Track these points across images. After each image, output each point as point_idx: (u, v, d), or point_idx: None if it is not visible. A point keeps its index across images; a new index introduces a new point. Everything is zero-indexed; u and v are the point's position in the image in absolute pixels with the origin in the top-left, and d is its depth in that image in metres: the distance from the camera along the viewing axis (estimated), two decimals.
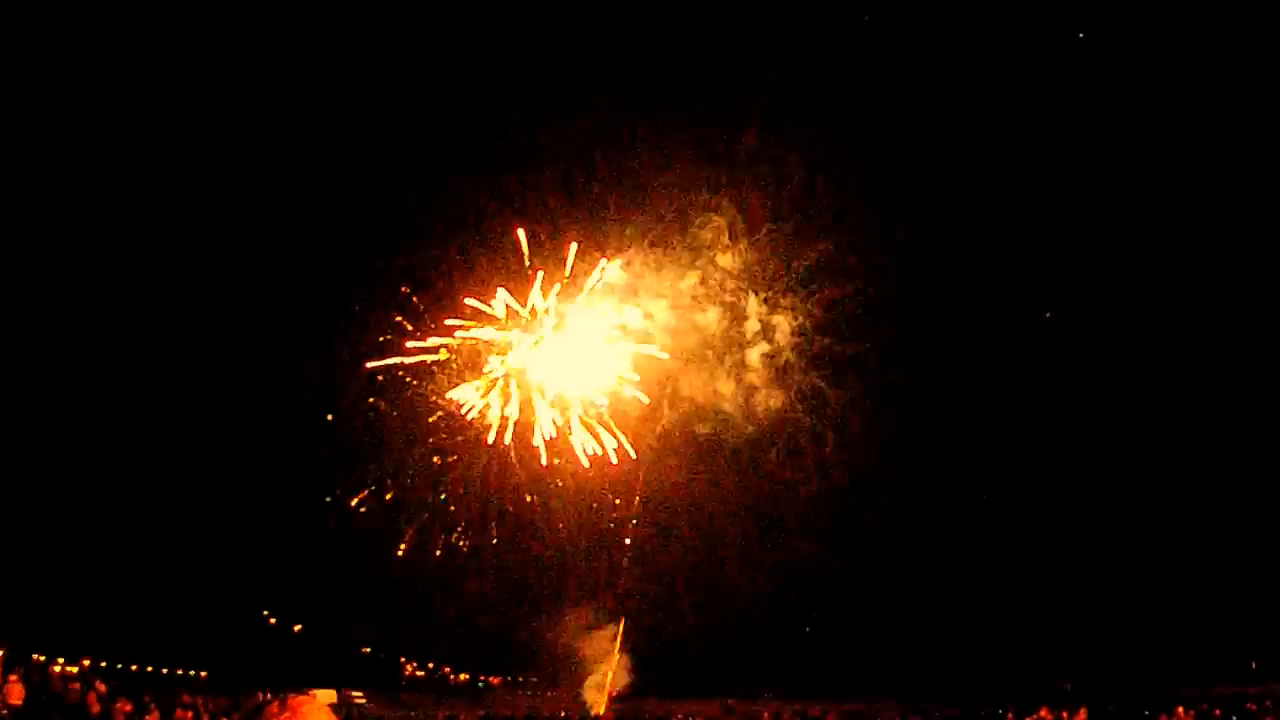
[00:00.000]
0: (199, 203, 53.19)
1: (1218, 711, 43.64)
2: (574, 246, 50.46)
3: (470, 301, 50.56)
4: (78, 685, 34.92)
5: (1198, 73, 50.26)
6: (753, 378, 53.44)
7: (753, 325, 53.29)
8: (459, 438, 53.42)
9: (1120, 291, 54.62)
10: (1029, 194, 53.12)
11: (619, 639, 54.03)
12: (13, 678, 27.97)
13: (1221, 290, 54.10)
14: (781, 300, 53.08)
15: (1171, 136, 51.47)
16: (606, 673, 53.53)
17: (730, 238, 52.16)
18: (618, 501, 55.04)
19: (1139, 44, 50.79)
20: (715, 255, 52.48)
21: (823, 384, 53.84)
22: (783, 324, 53.15)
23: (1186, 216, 53.09)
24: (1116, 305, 55.13)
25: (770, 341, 53.36)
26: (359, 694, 64.41)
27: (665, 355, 51.74)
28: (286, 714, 4.82)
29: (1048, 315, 56.18)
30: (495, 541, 56.01)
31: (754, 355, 53.37)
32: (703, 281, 52.74)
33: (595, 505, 55.09)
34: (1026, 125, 52.06)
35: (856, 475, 55.55)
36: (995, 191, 53.01)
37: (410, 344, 51.68)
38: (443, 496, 55.42)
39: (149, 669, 67.25)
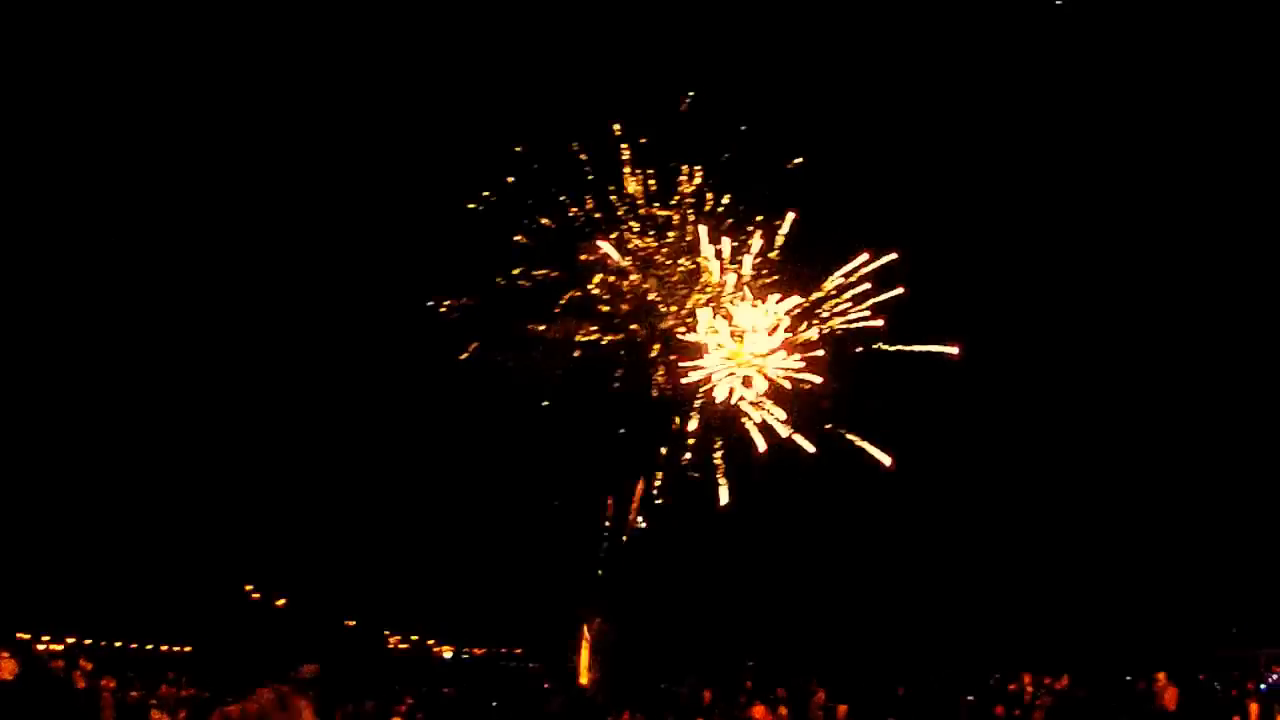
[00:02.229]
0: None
1: (1200, 676, 43.83)
2: None
3: None
4: (61, 663, 35.03)
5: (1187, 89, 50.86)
6: None
7: None
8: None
9: (1078, 285, 55.13)
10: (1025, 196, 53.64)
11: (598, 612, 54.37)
12: (4, 653, 28.05)
13: (1181, 283, 54.70)
14: None
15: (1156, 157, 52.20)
16: (588, 642, 53.81)
17: None
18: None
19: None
20: None
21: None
22: None
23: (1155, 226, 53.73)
24: (1080, 295, 55.61)
25: None
26: (343, 667, 64.56)
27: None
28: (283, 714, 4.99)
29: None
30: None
31: None
32: None
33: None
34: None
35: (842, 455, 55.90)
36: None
37: None
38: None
39: (133, 645, 67.42)
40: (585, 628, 53.30)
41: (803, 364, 50.86)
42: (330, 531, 61.82)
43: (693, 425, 52.16)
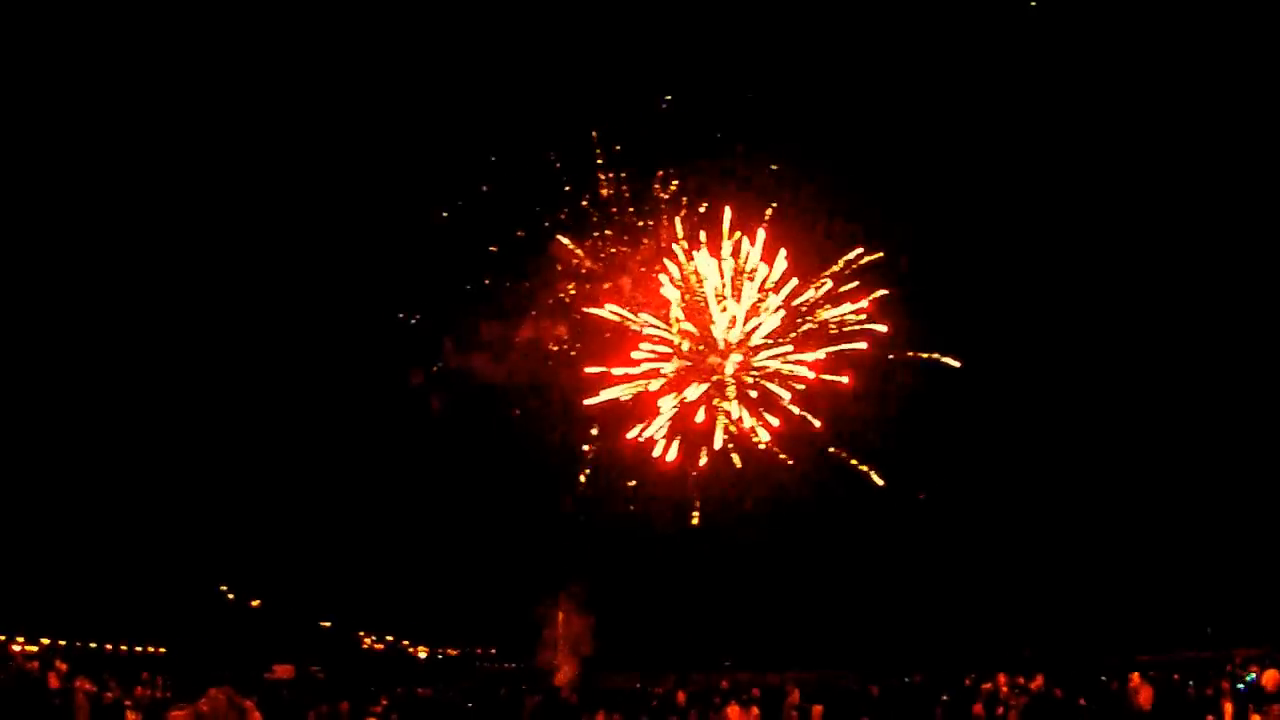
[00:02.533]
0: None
1: (1175, 676, 43.87)
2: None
3: None
4: (36, 664, 34.97)
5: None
6: None
7: None
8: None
9: (1049, 282, 55.35)
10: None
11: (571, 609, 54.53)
12: None
13: (1157, 284, 54.92)
14: None
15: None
16: (563, 642, 53.95)
17: None
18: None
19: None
20: None
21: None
22: None
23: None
24: (1050, 294, 55.80)
25: None
26: (317, 668, 64.53)
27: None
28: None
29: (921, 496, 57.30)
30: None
31: None
32: None
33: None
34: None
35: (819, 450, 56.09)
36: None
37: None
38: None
39: (108, 646, 67.27)
40: (558, 624, 53.55)
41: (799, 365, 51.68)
42: (305, 532, 61.78)
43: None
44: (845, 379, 54.27)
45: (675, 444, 54.92)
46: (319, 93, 52.53)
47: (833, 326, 54.68)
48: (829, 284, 53.95)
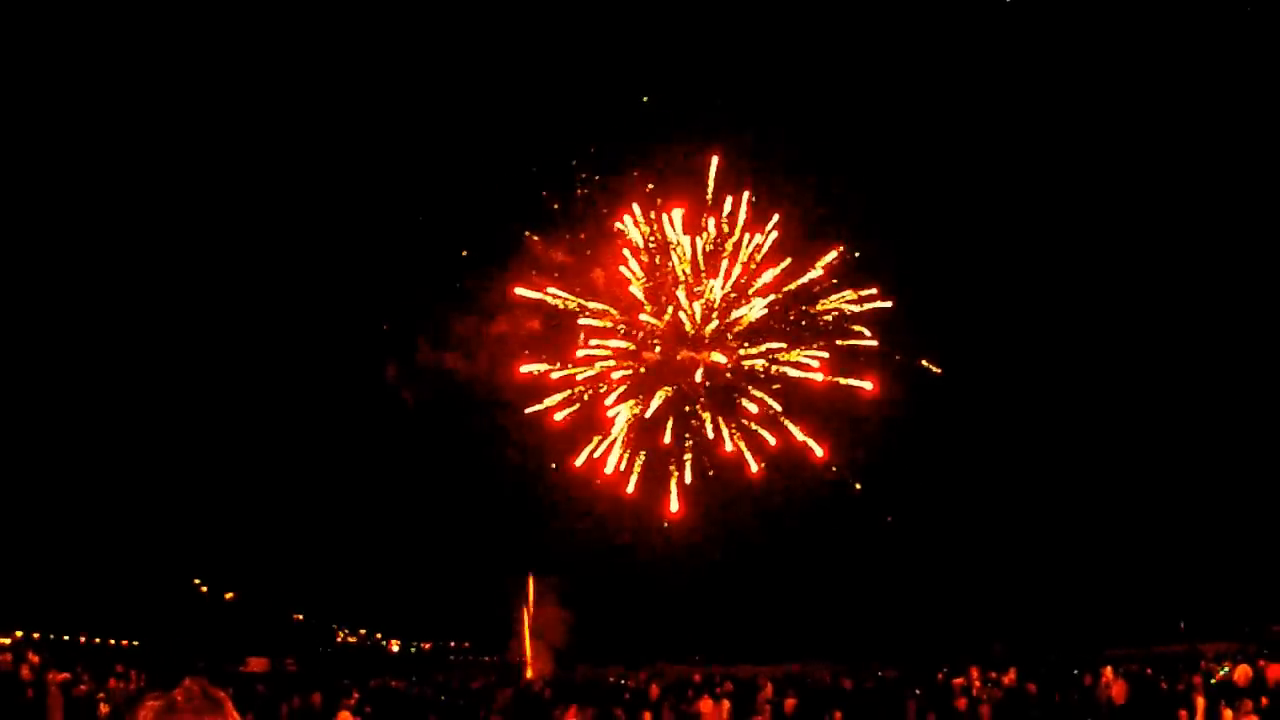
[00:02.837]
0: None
1: (1148, 671, 43.94)
2: None
3: None
4: (9, 657, 34.89)
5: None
6: None
7: None
8: None
9: (1021, 280, 55.52)
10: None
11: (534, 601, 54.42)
12: None
13: (1127, 284, 55.16)
14: None
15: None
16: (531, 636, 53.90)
17: None
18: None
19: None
20: None
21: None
22: None
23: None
24: (1023, 292, 55.99)
25: None
26: (291, 661, 64.41)
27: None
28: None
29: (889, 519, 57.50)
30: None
31: None
32: None
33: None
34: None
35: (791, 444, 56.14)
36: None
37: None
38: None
39: (81, 639, 67.09)
40: (525, 617, 53.33)
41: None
42: (279, 525, 61.70)
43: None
44: (869, 384, 53.06)
45: (635, 468, 53.64)
46: (294, 93, 52.57)
47: (827, 318, 53.60)
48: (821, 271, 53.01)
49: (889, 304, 52.94)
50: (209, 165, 53.52)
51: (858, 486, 56.33)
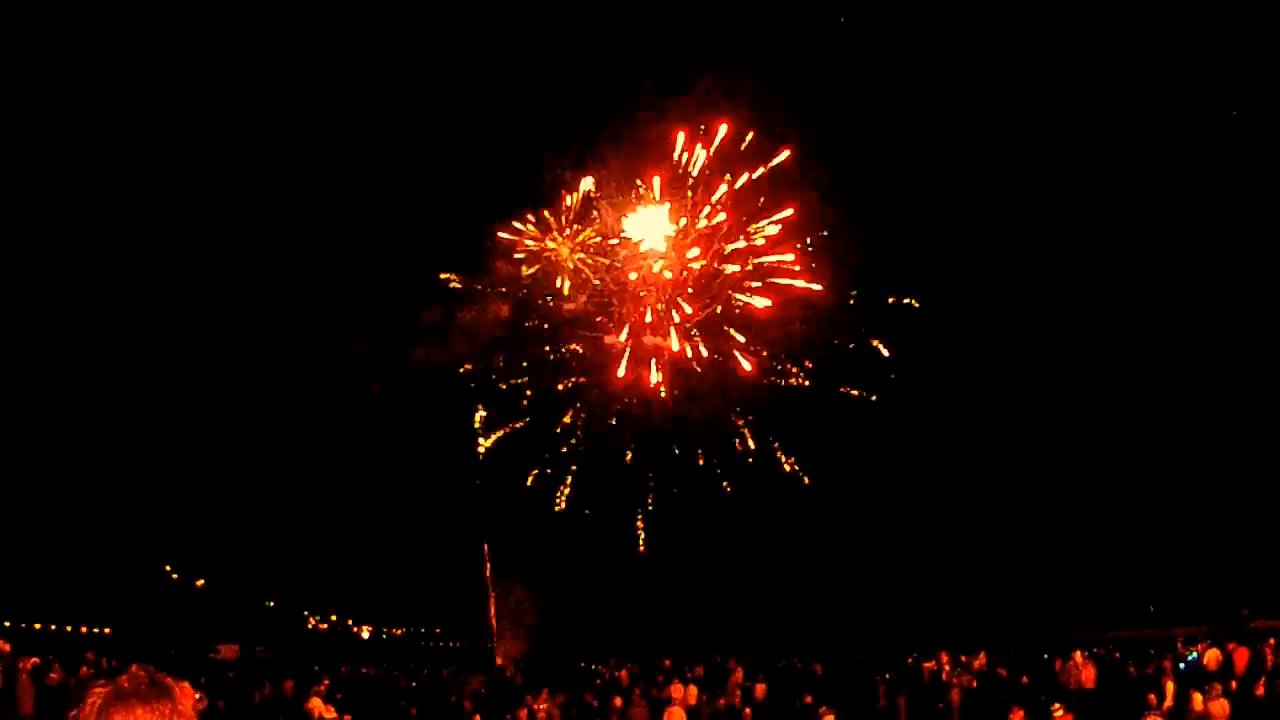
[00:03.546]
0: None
1: (1116, 654, 44.12)
2: None
3: None
4: None
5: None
6: None
7: None
8: None
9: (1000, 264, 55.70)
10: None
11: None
12: None
13: (1105, 271, 55.39)
14: None
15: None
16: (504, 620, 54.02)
17: None
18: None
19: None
20: None
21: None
22: None
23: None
24: (1000, 276, 56.17)
25: None
26: (261, 648, 64.39)
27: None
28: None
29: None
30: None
31: None
32: None
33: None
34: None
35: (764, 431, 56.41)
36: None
37: None
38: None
39: (51, 627, 66.94)
40: (491, 602, 53.47)
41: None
42: (250, 512, 61.69)
43: None
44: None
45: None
46: (265, 93, 52.54)
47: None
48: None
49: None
50: (180, 159, 53.47)
51: (806, 480, 56.67)
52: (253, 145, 52.40)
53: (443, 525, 56.77)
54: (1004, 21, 51.23)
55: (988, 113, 52.40)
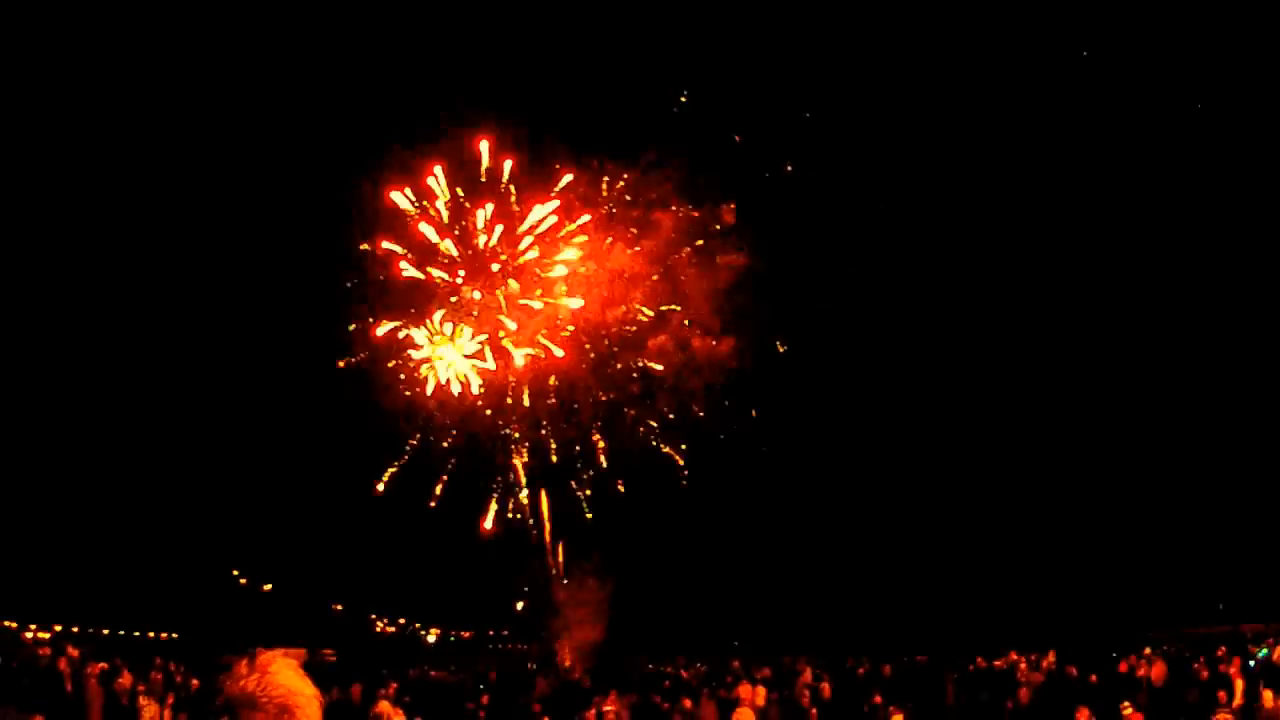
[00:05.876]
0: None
1: (1186, 652, 43.80)
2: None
3: None
4: (48, 651, 35.01)
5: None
6: None
7: None
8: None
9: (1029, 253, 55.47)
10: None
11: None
12: None
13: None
14: None
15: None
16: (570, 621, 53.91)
17: None
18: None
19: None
20: None
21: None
22: None
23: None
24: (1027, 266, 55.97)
25: None
26: (330, 652, 64.63)
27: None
28: (255, 674, 5.02)
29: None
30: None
31: None
32: None
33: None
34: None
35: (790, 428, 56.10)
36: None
37: None
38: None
39: (120, 632, 67.37)
40: (558, 603, 53.43)
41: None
42: (316, 515, 61.90)
43: None
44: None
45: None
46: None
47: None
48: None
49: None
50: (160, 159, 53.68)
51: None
52: None
53: (507, 525, 56.72)
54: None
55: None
